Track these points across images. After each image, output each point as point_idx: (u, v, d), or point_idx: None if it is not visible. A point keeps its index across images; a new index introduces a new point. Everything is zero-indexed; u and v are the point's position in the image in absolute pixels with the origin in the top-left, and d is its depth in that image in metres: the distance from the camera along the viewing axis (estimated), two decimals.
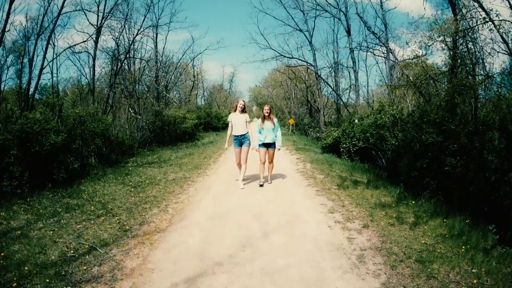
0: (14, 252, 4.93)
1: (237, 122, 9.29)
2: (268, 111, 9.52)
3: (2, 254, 4.79)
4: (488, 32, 9.86)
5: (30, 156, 8.43)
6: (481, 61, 10.91)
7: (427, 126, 8.54)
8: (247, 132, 9.38)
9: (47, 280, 4.15)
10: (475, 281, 4.27)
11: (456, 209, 7.01)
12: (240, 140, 9.36)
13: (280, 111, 50.67)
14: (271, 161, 9.75)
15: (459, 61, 10.76)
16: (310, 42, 28.08)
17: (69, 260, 4.76)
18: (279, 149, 9.77)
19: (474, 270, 4.55)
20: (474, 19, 10.11)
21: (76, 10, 20.81)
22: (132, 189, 8.87)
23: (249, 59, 34.33)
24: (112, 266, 4.69)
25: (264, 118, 9.47)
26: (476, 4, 9.95)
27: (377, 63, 51.96)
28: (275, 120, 9.62)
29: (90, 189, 8.65)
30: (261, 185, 9.46)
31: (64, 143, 9.29)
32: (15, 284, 4.02)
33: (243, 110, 9.43)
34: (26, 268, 4.42)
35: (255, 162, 10.00)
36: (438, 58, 60.63)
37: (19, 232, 5.64)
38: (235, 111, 9.42)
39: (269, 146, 9.51)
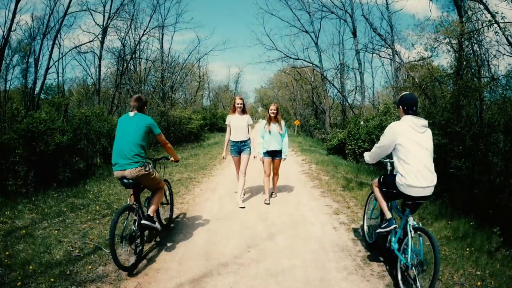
0: (19, 251, 4.96)
1: (237, 125, 7.75)
2: (275, 111, 7.96)
3: (7, 253, 4.83)
4: (494, 35, 9.81)
5: (35, 156, 8.49)
6: (486, 63, 10.86)
7: (432, 128, 8.52)
8: (249, 139, 7.87)
9: (52, 280, 4.17)
10: (479, 283, 4.27)
11: (460, 211, 7.00)
12: (239, 147, 7.80)
13: (286, 112, 50.68)
14: (276, 172, 8.38)
15: (464, 63, 10.71)
16: (316, 44, 28.16)
17: (74, 260, 4.78)
18: (285, 158, 8.16)
19: (478, 272, 4.55)
20: (479, 21, 10.08)
21: (82, 10, 21.02)
22: None
23: (255, 60, 34.69)
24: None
25: (270, 120, 7.99)
26: (482, 6, 9.91)
27: (383, 64, 51.58)
28: (283, 123, 8.09)
29: (95, 189, 8.69)
30: (267, 203, 7.93)
31: (69, 142, 9.35)
32: (19, 283, 4.04)
33: (244, 110, 7.89)
34: (31, 267, 4.44)
35: (255, 171, 9.45)
36: (444, 60, 60.37)
37: (24, 231, 5.68)
38: (234, 112, 7.86)
39: (275, 154, 8.06)
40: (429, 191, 4.06)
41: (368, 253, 5.20)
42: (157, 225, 5.33)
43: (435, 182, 4.06)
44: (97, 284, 4.19)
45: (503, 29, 9.21)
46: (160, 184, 5.40)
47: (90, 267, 4.58)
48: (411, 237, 4.07)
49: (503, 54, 10.14)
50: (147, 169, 4.90)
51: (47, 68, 19.84)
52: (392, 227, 4.46)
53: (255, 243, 5.57)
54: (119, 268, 4.40)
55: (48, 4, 21.08)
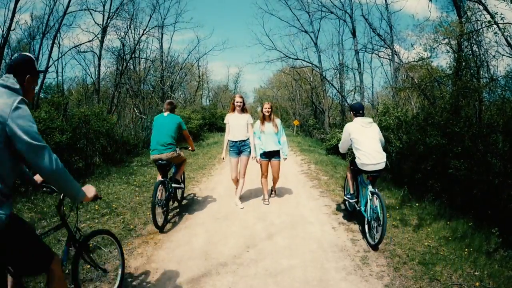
0: None
1: (237, 124, 7.52)
2: (269, 110, 7.75)
3: None
4: (493, 35, 9.81)
5: None
6: (485, 64, 10.87)
7: (431, 128, 8.54)
8: (248, 138, 7.61)
9: None
10: (477, 284, 4.28)
11: (459, 211, 7.00)
12: (239, 148, 7.57)
13: (285, 112, 50.65)
14: (276, 174, 8.07)
15: (463, 63, 10.72)
16: (315, 44, 28.22)
17: (72, 259, 4.78)
18: (285, 158, 7.91)
19: (476, 273, 4.56)
20: (478, 22, 10.07)
21: (82, 10, 20.98)
22: (137, 189, 8.90)
23: (254, 59, 34.85)
24: (116, 265, 4.70)
25: (264, 119, 7.78)
26: (481, 7, 9.91)
27: (382, 65, 51.34)
28: (278, 121, 7.87)
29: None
30: (266, 204, 7.85)
31: (68, 142, 9.33)
32: None
33: (243, 109, 7.66)
34: None
35: (255, 171, 9.17)
36: (443, 60, 60.34)
37: None
38: (233, 110, 7.64)
39: (272, 155, 7.82)
40: (379, 166, 5.67)
41: (367, 254, 5.22)
42: (182, 185, 7.67)
43: (384, 159, 5.72)
44: (96, 283, 4.19)
45: (503, 30, 9.21)
46: (184, 159, 7.30)
47: (88, 266, 4.57)
48: (370, 199, 5.69)
49: (502, 55, 10.16)
50: (177, 152, 6.77)
51: (47, 67, 19.81)
52: (354, 200, 6.41)
53: (254, 243, 5.58)
54: (155, 227, 6.01)
55: (47, 4, 21.15)
